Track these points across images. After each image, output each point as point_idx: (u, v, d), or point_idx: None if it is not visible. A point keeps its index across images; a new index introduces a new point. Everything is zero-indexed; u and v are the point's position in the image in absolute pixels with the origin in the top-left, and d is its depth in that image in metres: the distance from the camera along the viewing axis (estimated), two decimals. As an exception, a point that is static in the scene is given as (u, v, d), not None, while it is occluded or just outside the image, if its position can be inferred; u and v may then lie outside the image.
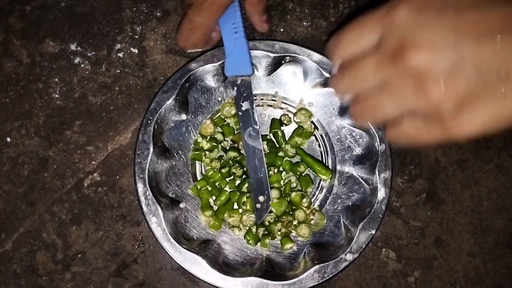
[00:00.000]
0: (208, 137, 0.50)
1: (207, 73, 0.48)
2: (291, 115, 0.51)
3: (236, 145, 0.50)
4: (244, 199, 0.48)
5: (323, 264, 0.45)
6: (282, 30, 0.53)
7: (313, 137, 0.51)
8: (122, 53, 0.51)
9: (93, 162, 0.50)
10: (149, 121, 0.46)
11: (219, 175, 0.49)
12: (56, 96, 0.51)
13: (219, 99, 0.50)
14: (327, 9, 0.54)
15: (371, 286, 0.50)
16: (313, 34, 0.53)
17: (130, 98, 0.51)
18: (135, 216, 0.50)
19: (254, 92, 0.48)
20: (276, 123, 0.50)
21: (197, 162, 0.51)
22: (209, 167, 0.49)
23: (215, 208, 0.49)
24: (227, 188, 0.50)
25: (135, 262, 0.49)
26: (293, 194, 0.48)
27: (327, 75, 0.47)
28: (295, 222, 0.48)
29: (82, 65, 0.51)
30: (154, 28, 0.52)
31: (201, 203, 0.49)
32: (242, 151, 0.49)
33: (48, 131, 0.50)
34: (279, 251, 0.49)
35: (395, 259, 0.51)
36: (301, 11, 0.53)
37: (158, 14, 0.52)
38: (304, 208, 0.48)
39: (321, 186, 0.51)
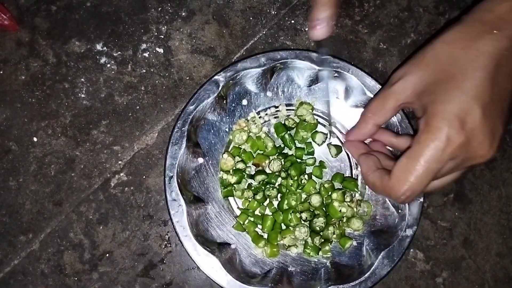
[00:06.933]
0: (231, 170, 0.49)
1: (207, 108, 0.48)
2: (296, 119, 0.50)
3: (260, 167, 0.49)
4: (289, 216, 0.47)
5: (388, 248, 0.45)
6: (307, 29, 0.53)
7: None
8: (148, 53, 0.51)
9: (119, 162, 0.50)
10: (171, 178, 0.45)
11: (256, 202, 0.48)
12: (83, 96, 0.51)
13: (227, 130, 0.50)
14: (352, 8, 0.53)
15: (399, 287, 0.50)
16: (338, 33, 0.53)
17: (156, 98, 0.51)
18: (161, 216, 0.49)
19: (256, 110, 0.50)
20: (281, 127, 0.49)
21: (230, 198, 0.50)
22: (243, 199, 0.49)
23: (265, 236, 0.48)
24: (268, 212, 0.49)
25: (162, 262, 0.49)
26: (334, 194, 0.47)
27: (318, 68, 0.47)
28: (344, 220, 0.48)
29: (108, 65, 0.51)
30: (179, 27, 0.52)
31: (251, 236, 0.48)
32: (267, 169, 0.49)
33: (74, 131, 0.50)
34: (341, 251, 0.48)
35: (423, 260, 0.51)
36: (326, 10, 0.53)
37: (183, 14, 0.52)
38: (349, 203, 0.48)
39: (356, 175, 0.50)
